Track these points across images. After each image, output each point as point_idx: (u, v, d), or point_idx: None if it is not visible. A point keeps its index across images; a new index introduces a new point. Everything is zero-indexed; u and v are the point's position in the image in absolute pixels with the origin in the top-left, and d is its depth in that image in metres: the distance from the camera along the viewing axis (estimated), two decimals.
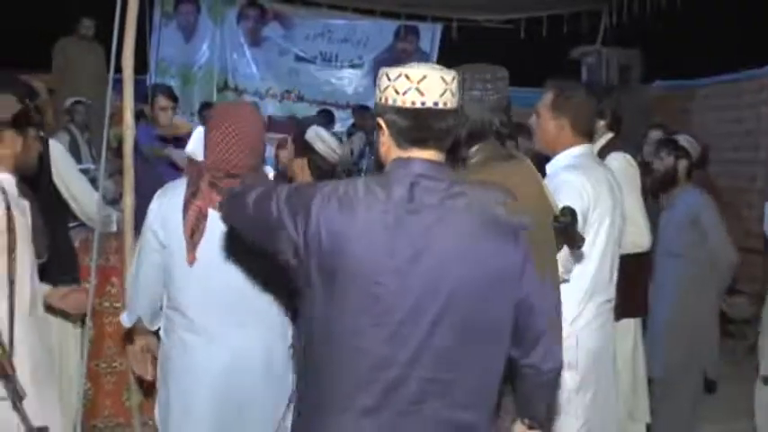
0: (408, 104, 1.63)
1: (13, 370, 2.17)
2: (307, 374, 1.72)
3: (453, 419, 1.62)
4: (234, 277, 2.26)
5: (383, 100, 1.66)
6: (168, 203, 2.37)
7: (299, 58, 8.20)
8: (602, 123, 3.27)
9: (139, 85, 3.38)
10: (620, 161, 3.08)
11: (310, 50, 8.20)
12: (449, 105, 1.65)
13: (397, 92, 1.64)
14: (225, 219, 1.96)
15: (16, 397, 2.15)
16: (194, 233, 2.31)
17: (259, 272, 2.24)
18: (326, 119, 6.83)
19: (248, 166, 2.32)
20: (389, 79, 1.65)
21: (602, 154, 3.06)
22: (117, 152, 3.56)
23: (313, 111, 7.60)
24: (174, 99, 4.80)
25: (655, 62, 7.71)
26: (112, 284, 3.44)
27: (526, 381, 1.81)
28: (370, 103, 5.76)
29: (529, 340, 1.72)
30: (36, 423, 2.17)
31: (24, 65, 6.90)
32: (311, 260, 1.62)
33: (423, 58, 8.28)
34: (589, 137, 2.65)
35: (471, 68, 2.06)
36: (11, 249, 2.21)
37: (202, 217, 2.31)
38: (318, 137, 3.15)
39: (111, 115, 3.11)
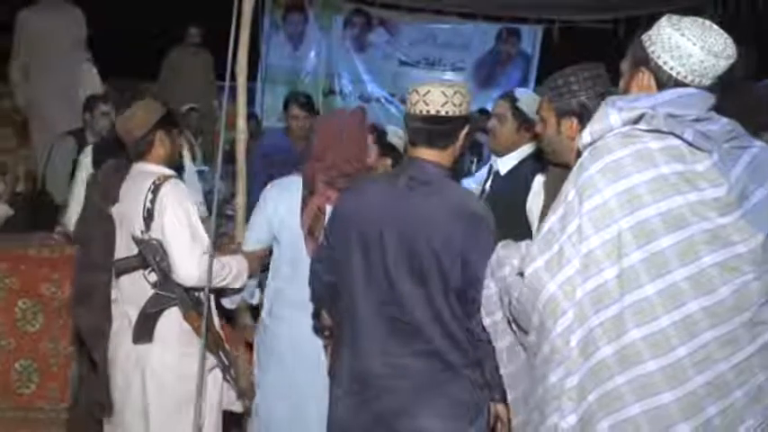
0: (416, 112, 2.15)
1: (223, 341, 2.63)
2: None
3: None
4: None
5: (406, 110, 2.21)
6: (280, 198, 2.64)
7: (402, 63, 8.31)
8: None
9: (249, 92, 3.56)
10: None
11: (414, 55, 8.29)
12: (450, 113, 2.14)
13: (410, 103, 2.18)
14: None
15: (226, 367, 2.62)
16: (313, 228, 2.58)
17: None
18: None
19: (356, 167, 2.56)
20: (408, 93, 2.19)
21: None
22: (229, 156, 3.74)
23: None
24: (309, 108, 4.64)
25: (764, 60, 7.31)
26: None
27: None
28: (471, 106, 5.77)
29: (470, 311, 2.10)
30: None
31: (134, 73, 7.34)
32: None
33: (524, 59, 8.22)
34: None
35: (578, 70, 2.24)
36: None
37: (321, 213, 2.57)
38: (398, 137, 3.25)
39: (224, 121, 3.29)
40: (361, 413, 2.22)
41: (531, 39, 8.20)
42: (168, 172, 2.61)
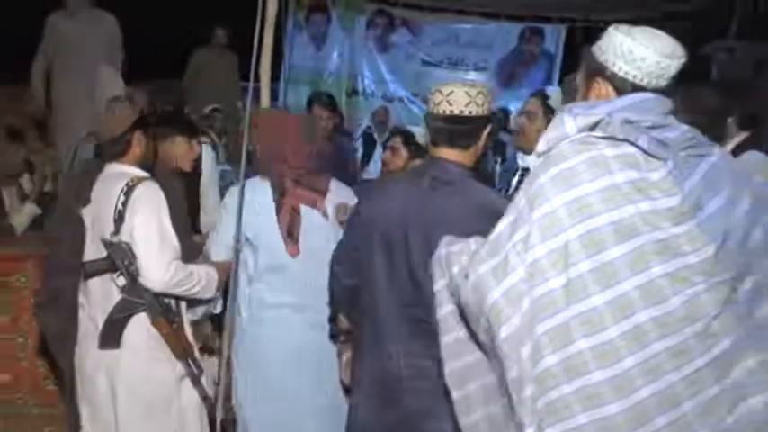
0: (439, 112, 2.18)
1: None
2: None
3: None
4: (324, 264, 2.51)
5: (428, 109, 2.24)
6: (250, 203, 2.67)
7: (425, 63, 8.31)
8: (730, 121, 3.13)
9: (272, 93, 3.57)
10: (757, 159, 2.94)
11: (437, 55, 8.29)
12: (473, 113, 2.17)
13: (433, 103, 2.20)
14: None
15: (195, 376, 2.55)
16: (292, 230, 2.59)
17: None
18: None
19: (318, 163, 2.73)
20: (431, 94, 2.21)
21: (736, 155, 2.92)
22: (252, 156, 3.76)
23: None
24: (332, 108, 4.62)
25: None
26: None
27: None
28: (494, 106, 5.75)
29: None
30: None
31: (160, 74, 7.40)
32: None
33: (547, 59, 8.18)
34: (719, 138, 2.53)
35: None
36: None
37: (296, 213, 2.59)
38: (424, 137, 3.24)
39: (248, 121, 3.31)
40: (385, 414, 2.23)
41: (554, 38, 8.16)
42: (142, 174, 2.53)
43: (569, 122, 1.70)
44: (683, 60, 1.71)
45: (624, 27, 1.74)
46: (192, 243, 2.92)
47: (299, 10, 8.03)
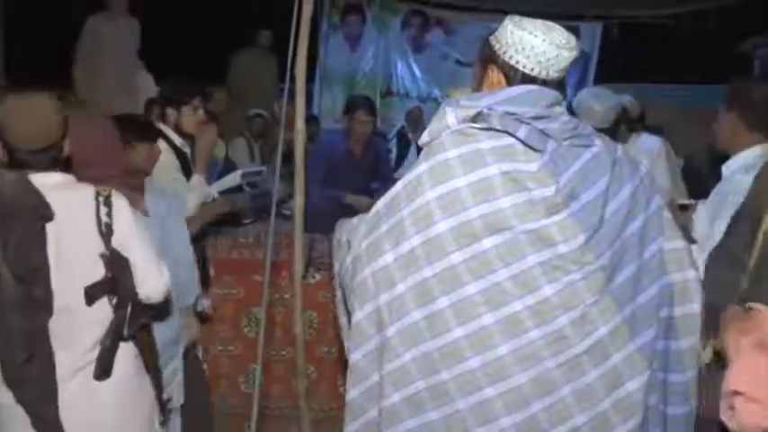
0: None
1: None
2: None
3: None
4: None
5: None
6: None
7: (459, 63, 8.29)
8: None
9: (306, 94, 3.60)
10: None
11: (471, 55, 8.25)
12: None
13: None
14: None
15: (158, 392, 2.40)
16: None
17: None
18: None
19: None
20: None
21: None
22: (287, 157, 3.80)
23: None
24: (374, 112, 4.58)
25: None
26: (283, 277, 3.68)
27: None
28: None
29: None
30: None
31: (204, 76, 7.48)
32: None
33: (583, 58, 8.09)
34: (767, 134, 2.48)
35: None
36: None
37: None
38: None
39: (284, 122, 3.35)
40: None
41: (590, 36, 8.08)
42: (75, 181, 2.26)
43: (450, 114, 1.72)
44: (575, 52, 1.74)
45: (517, 17, 1.77)
46: None
47: (334, 11, 8.07)
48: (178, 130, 3.46)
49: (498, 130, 1.67)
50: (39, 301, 2.06)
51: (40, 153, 2.12)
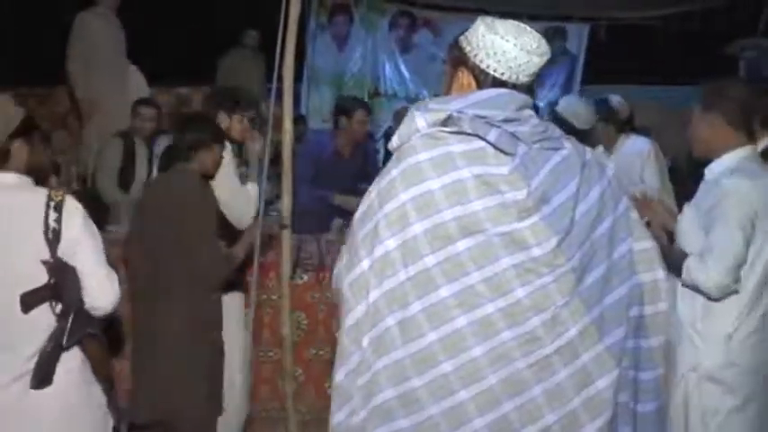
0: None
1: None
2: None
3: None
4: None
5: None
6: None
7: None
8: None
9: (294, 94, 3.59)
10: None
11: None
12: None
13: None
14: None
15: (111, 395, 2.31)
16: None
17: None
18: None
19: None
20: None
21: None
22: (275, 158, 3.78)
23: None
24: (370, 112, 4.78)
25: None
26: (270, 279, 3.66)
27: None
28: None
29: None
30: None
31: (189, 76, 7.45)
32: None
33: (570, 59, 8.12)
34: (749, 135, 2.47)
35: None
36: None
37: None
38: None
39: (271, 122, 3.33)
40: None
41: (577, 38, 8.10)
42: (54, 184, 2.29)
43: (419, 117, 1.72)
44: (545, 57, 1.73)
45: (489, 19, 1.75)
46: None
47: (321, 11, 8.04)
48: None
49: (468, 134, 1.67)
50: None
51: None
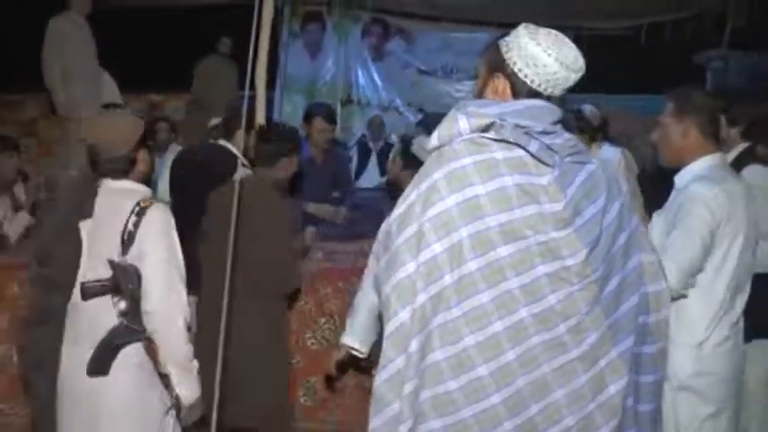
0: None
1: None
2: None
3: None
4: None
5: None
6: None
7: (420, 72, 8.31)
8: (734, 131, 3.10)
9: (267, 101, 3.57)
10: (761, 174, 2.90)
11: (431, 63, 8.29)
12: None
13: None
14: None
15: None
16: None
17: None
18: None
19: None
20: None
21: (738, 166, 2.87)
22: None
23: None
24: (334, 120, 4.60)
25: None
26: None
27: None
28: None
29: None
30: None
31: (165, 84, 7.39)
32: None
33: None
34: (718, 143, 2.51)
35: None
36: None
37: None
38: (422, 148, 3.23)
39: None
40: None
41: None
42: (150, 193, 2.44)
43: (462, 121, 1.73)
44: (581, 73, 1.76)
45: (533, 28, 1.77)
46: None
47: (294, 18, 8.03)
48: None
49: (510, 143, 1.69)
50: (57, 282, 2.33)
51: (108, 160, 2.38)
